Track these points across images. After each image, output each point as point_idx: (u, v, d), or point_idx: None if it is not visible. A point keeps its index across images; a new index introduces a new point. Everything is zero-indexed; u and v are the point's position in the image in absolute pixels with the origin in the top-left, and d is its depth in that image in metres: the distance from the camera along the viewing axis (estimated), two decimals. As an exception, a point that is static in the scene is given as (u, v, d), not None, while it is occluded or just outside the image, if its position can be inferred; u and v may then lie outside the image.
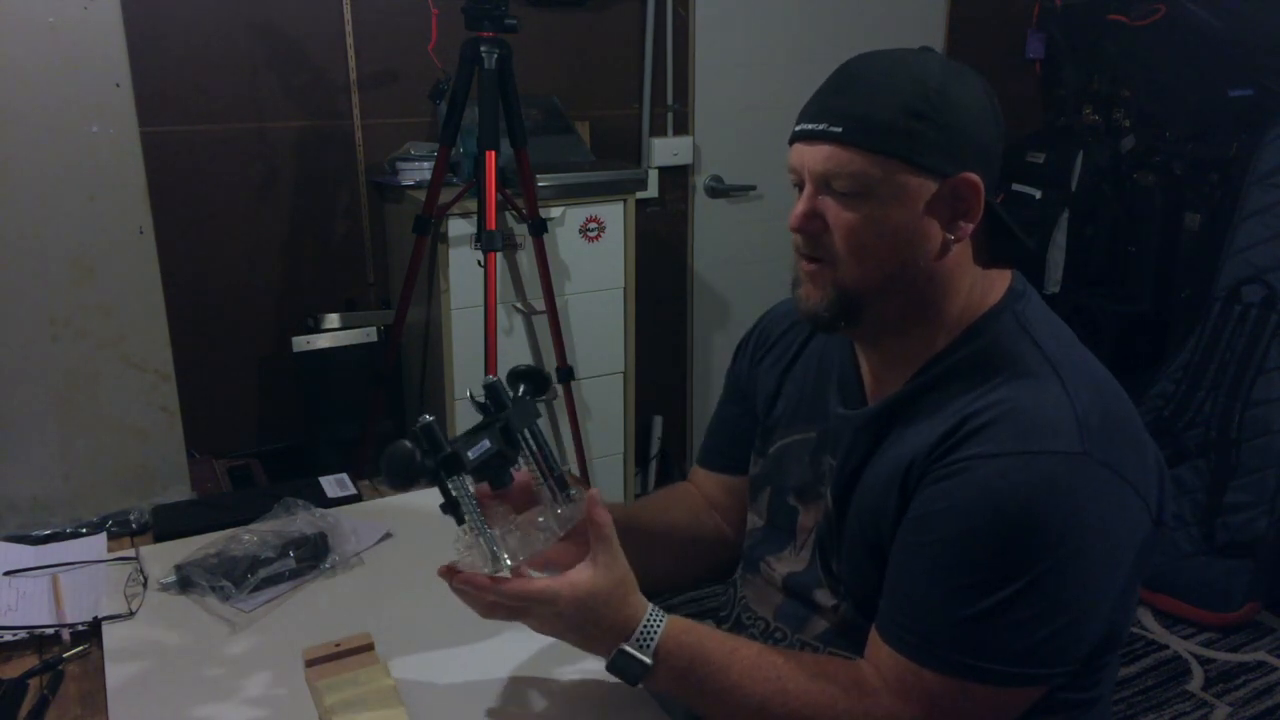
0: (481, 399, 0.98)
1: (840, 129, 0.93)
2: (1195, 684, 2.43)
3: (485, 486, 0.97)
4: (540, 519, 0.96)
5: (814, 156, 0.95)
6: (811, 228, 0.96)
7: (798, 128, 0.97)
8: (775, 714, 0.92)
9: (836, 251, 0.96)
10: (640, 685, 0.95)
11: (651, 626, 0.93)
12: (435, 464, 0.89)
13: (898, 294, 0.97)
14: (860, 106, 0.93)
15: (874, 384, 1.06)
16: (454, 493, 0.91)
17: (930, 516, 0.91)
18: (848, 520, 1.02)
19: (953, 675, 0.88)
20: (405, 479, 0.89)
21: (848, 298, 0.97)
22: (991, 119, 0.96)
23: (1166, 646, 2.58)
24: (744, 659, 0.94)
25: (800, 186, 0.98)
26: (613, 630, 0.93)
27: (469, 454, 0.91)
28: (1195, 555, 2.65)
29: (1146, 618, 2.70)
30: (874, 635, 0.95)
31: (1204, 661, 2.52)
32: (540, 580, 0.92)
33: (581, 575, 0.92)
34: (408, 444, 0.89)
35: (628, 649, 0.93)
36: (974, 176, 0.93)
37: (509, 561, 0.92)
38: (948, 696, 0.88)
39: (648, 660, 0.93)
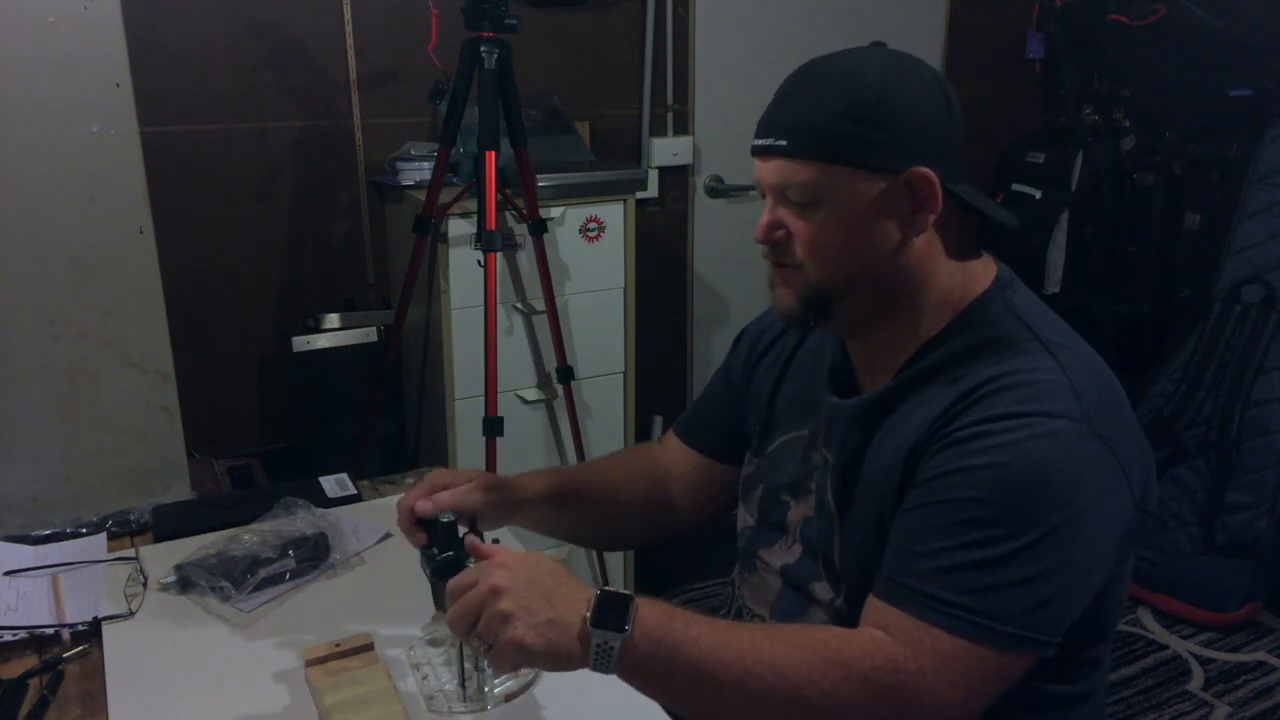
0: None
1: (785, 142, 0.96)
2: (1195, 684, 2.44)
3: None
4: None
5: (767, 171, 0.99)
6: (775, 238, 1.00)
7: (753, 142, 1.00)
8: (766, 655, 0.87)
9: (799, 257, 0.99)
10: (616, 665, 0.86)
11: (614, 587, 0.89)
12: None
13: (867, 289, 1.00)
14: (802, 116, 0.96)
15: (864, 375, 1.08)
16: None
17: (935, 480, 0.92)
18: (851, 512, 1.02)
19: (961, 634, 0.88)
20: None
21: (817, 296, 1.00)
22: (942, 108, 0.97)
23: (1166, 646, 2.58)
24: (719, 621, 0.92)
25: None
26: (578, 587, 0.89)
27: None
28: (1195, 555, 2.65)
29: (1146, 618, 2.70)
30: (874, 600, 0.94)
31: (1204, 661, 2.52)
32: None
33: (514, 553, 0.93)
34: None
35: (608, 588, 0.87)
36: (925, 170, 0.95)
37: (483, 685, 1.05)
38: (955, 655, 0.88)
39: (629, 593, 0.86)
